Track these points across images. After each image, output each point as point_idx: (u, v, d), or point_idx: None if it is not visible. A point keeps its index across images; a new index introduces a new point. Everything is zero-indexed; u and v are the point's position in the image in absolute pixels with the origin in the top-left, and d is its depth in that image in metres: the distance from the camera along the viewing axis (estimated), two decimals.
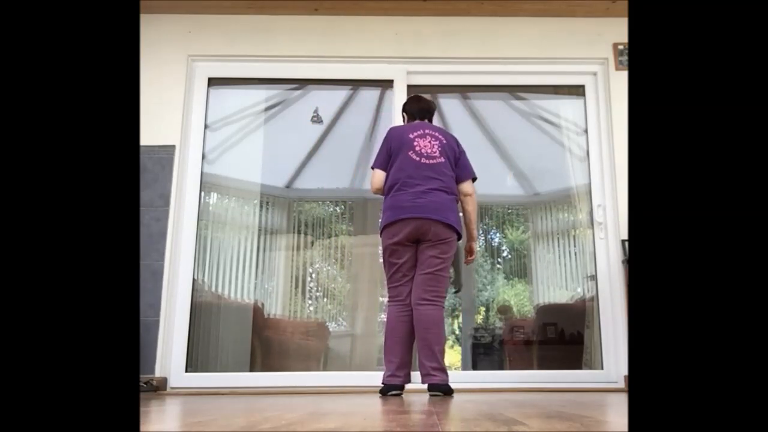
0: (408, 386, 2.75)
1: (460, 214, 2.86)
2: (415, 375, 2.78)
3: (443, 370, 2.62)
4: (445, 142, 2.87)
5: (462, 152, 2.91)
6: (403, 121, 3.07)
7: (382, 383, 2.69)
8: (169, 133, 3.58)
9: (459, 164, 2.88)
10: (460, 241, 2.84)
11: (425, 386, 2.64)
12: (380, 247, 2.80)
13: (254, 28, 3.78)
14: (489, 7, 3.74)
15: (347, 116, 3.96)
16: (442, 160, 2.81)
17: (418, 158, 2.78)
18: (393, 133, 2.89)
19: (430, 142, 2.86)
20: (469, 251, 2.97)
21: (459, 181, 2.86)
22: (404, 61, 3.76)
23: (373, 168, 2.87)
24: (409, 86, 3.75)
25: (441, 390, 2.58)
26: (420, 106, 3.01)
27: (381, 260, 2.76)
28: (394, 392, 2.65)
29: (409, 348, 2.72)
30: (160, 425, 1.30)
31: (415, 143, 2.82)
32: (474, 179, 2.90)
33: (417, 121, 2.95)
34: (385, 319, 2.74)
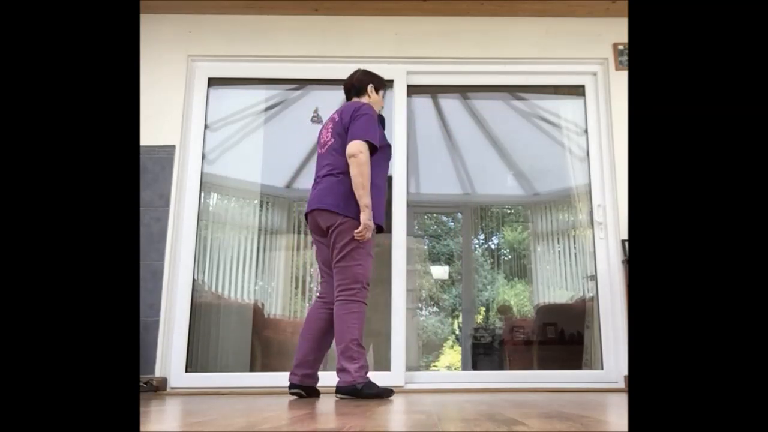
0: (403, 386, 2.72)
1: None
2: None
3: (344, 370, 2.45)
4: (338, 119, 2.62)
5: (357, 117, 2.54)
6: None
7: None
8: (169, 133, 3.58)
9: (348, 131, 2.53)
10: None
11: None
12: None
13: (254, 28, 3.78)
14: (489, 7, 3.74)
15: None
16: (332, 140, 2.60)
17: (319, 150, 2.71)
18: None
19: (326, 127, 2.70)
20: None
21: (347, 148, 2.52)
22: (404, 61, 3.76)
23: None
24: (409, 86, 3.75)
25: (341, 392, 2.45)
26: (344, 85, 2.81)
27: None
28: (294, 391, 2.61)
29: (314, 347, 2.62)
30: (160, 425, 1.30)
31: (320, 134, 2.74)
32: (365, 141, 2.49)
33: None
34: None
